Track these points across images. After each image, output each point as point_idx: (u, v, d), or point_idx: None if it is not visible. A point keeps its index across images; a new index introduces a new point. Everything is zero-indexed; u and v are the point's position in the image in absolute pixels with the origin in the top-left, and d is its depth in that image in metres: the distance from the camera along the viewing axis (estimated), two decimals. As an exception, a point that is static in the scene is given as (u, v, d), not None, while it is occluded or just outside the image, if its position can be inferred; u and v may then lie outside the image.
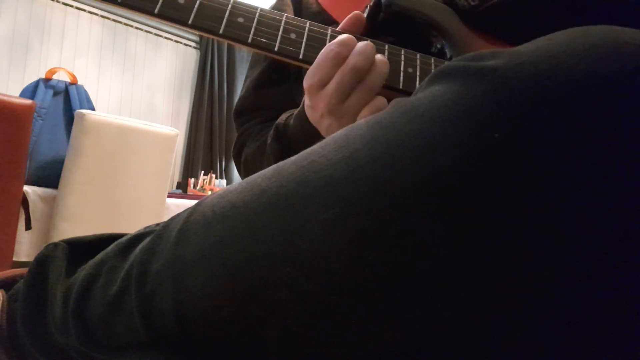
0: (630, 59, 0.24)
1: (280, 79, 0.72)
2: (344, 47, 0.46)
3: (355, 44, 0.47)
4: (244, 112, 0.75)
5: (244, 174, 0.73)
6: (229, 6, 0.48)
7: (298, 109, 0.55)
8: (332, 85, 0.46)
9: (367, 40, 0.48)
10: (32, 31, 3.07)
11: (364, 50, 0.46)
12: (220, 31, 0.47)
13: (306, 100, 0.50)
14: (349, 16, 0.51)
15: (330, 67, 0.46)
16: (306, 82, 0.48)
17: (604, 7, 0.46)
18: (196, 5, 0.46)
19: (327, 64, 0.46)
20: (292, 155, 0.60)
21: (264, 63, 0.73)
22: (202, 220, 0.31)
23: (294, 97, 0.69)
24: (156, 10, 0.45)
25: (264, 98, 0.72)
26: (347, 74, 0.46)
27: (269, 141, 0.62)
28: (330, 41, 0.49)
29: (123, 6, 0.45)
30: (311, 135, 0.52)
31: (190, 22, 0.46)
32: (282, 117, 0.60)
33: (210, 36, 0.48)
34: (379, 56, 0.48)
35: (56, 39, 3.18)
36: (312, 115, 0.51)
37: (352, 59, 0.46)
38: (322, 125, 0.50)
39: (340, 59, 0.46)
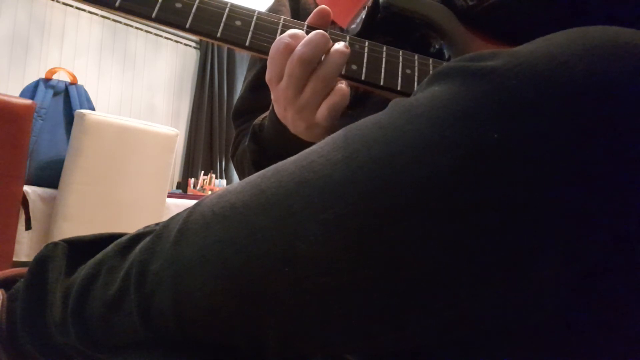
0: (629, 59, 0.24)
1: None
2: (294, 38, 0.46)
3: (303, 36, 0.46)
4: (242, 114, 0.75)
5: (239, 175, 0.73)
6: (227, 10, 0.48)
7: (270, 107, 0.55)
8: (285, 78, 0.46)
9: (320, 30, 0.47)
10: (32, 31, 3.07)
11: (312, 40, 0.45)
12: (218, 35, 0.47)
13: (272, 95, 0.50)
14: (314, 11, 0.50)
15: (283, 59, 0.46)
16: (266, 77, 0.48)
17: (603, 7, 0.46)
18: (193, 9, 0.46)
19: (278, 57, 0.46)
20: (267, 153, 0.59)
21: (260, 64, 0.73)
22: (201, 220, 0.31)
23: None
24: (154, 15, 0.46)
25: (261, 98, 0.72)
26: (295, 66, 0.45)
27: (246, 142, 0.62)
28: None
29: (120, 11, 0.45)
30: (282, 132, 0.52)
31: (187, 26, 0.46)
32: (259, 118, 0.60)
33: (208, 40, 0.48)
34: (336, 45, 0.47)
35: (56, 39, 3.18)
36: (278, 111, 0.51)
37: (298, 50, 0.45)
38: (287, 120, 0.50)
39: (290, 50, 0.46)
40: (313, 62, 0.46)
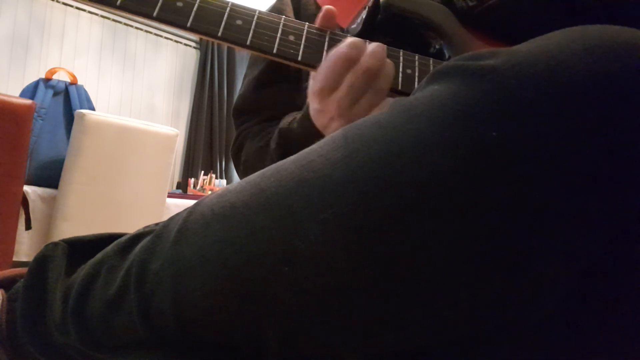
0: (629, 58, 0.24)
1: (280, 79, 0.71)
2: (356, 49, 0.46)
3: (365, 46, 0.47)
4: (244, 112, 0.74)
5: (242, 174, 0.73)
6: (228, 9, 0.48)
7: (301, 113, 0.55)
8: (344, 88, 0.46)
9: (379, 43, 0.48)
10: (32, 31, 3.07)
11: (376, 52, 0.46)
12: (219, 34, 0.47)
13: (314, 104, 0.50)
14: (321, 11, 0.51)
15: (342, 69, 0.46)
16: (316, 86, 0.48)
17: (602, 7, 0.46)
18: (194, 9, 0.46)
19: (338, 66, 0.46)
20: None
21: (264, 62, 0.73)
22: (201, 220, 0.31)
23: (294, 97, 0.69)
24: (154, 14, 0.46)
25: (264, 98, 0.72)
26: (360, 76, 0.46)
27: (272, 146, 0.61)
28: (328, 43, 0.49)
29: (122, 10, 0.45)
30: (316, 140, 0.52)
31: (188, 25, 0.46)
32: (285, 121, 0.59)
33: (209, 39, 0.48)
34: (389, 60, 0.48)
35: (56, 39, 3.18)
36: (320, 119, 0.50)
37: (365, 61, 0.46)
38: (329, 130, 0.50)
39: (351, 61, 0.46)
40: (376, 75, 0.46)
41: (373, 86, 0.47)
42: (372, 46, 0.47)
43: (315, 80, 0.48)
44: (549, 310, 0.27)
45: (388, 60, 0.47)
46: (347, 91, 0.46)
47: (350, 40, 0.47)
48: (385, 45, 0.47)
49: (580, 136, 0.23)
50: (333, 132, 0.49)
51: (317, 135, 0.52)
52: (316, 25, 0.51)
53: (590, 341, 0.28)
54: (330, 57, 0.47)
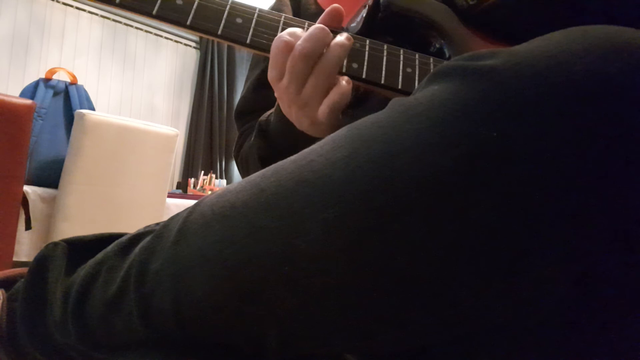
0: (629, 58, 0.24)
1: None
2: (293, 36, 0.46)
3: (303, 33, 0.46)
4: (245, 113, 0.75)
5: (240, 173, 0.73)
6: (227, 7, 0.48)
7: (275, 103, 0.55)
8: (286, 75, 0.46)
9: (319, 24, 0.47)
10: (32, 31, 3.07)
11: (312, 34, 0.45)
12: (219, 32, 0.47)
13: (275, 93, 0.50)
14: (326, 9, 0.50)
15: (283, 57, 0.46)
16: (268, 75, 0.48)
17: (603, 7, 0.46)
18: (194, 7, 0.46)
19: (279, 54, 0.46)
20: (274, 151, 0.60)
21: (264, 63, 0.73)
22: (201, 219, 0.31)
23: None
24: (154, 12, 0.46)
25: (264, 99, 0.72)
26: (297, 61, 0.45)
27: (251, 139, 0.62)
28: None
29: (121, 7, 0.45)
30: (289, 129, 0.52)
31: (188, 23, 0.46)
32: (265, 115, 0.60)
33: (209, 37, 0.48)
34: (337, 38, 0.47)
35: (56, 39, 3.18)
36: (283, 108, 0.51)
37: (299, 44, 0.45)
38: (292, 117, 0.50)
39: (290, 47, 0.46)
40: (314, 57, 0.45)
41: (316, 69, 0.46)
42: (310, 29, 0.46)
43: (268, 71, 0.48)
44: (549, 310, 0.27)
45: (337, 40, 0.46)
46: (289, 78, 0.46)
47: (289, 29, 0.47)
48: (325, 28, 0.46)
49: (580, 136, 0.23)
50: (294, 119, 0.50)
51: (289, 123, 0.52)
52: (319, 22, 0.50)
53: (590, 341, 0.28)
54: (272, 46, 0.47)
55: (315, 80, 0.46)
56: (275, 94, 0.50)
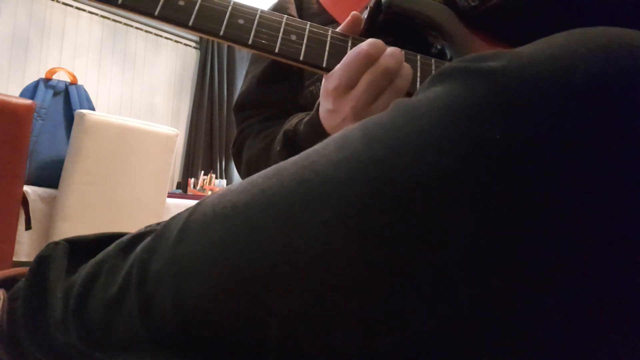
0: (630, 59, 0.24)
1: (284, 77, 0.71)
2: (375, 48, 0.46)
3: (384, 47, 0.47)
4: (246, 107, 0.74)
5: (244, 174, 0.72)
6: (229, 8, 0.48)
7: (310, 114, 0.54)
8: (361, 86, 0.46)
9: (397, 48, 0.49)
10: (32, 31, 3.07)
11: (395, 53, 0.47)
12: (221, 33, 0.47)
13: (327, 104, 0.49)
14: (349, 17, 0.51)
15: (361, 67, 0.46)
16: (332, 84, 0.47)
17: (604, 7, 0.46)
18: (196, 7, 0.46)
19: (357, 64, 0.46)
20: None
21: (270, 59, 0.72)
22: (202, 219, 0.31)
23: (297, 97, 0.69)
24: (156, 12, 0.46)
25: (267, 94, 0.72)
26: (379, 75, 0.46)
27: (277, 148, 0.60)
28: (331, 43, 0.49)
29: (123, 8, 0.45)
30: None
31: (190, 24, 0.46)
32: (291, 123, 0.59)
33: (211, 38, 0.48)
34: (405, 62, 0.48)
35: (56, 39, 3.18)
36: (332, 120, 0.50)
37: (385, 61, 0.46)
38: (338, 130, 0.49)
39: (370, 60, 0.46)
40: (395, 75, 0.47)
41: (391, 87, 0.47)
42: (391, 48, 0.47)
43: (330, 79, 0.47)
44: (549, 310, 0.27)
45: (405, 64, 0.48)
46: (365, 89, 0.46)
47: (370, 40, 0.47)
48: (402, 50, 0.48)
49: (582, 137, 0.23)
50: None
51: (324, 137, 0.51)
52: (339, 30, 0.51)
53: (591, 341, 0.28)
54: (349, 55, 0.47)
55: (389, 96, 0.47)
56: (333, 104, 0.49)
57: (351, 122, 0.47)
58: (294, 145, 0.57)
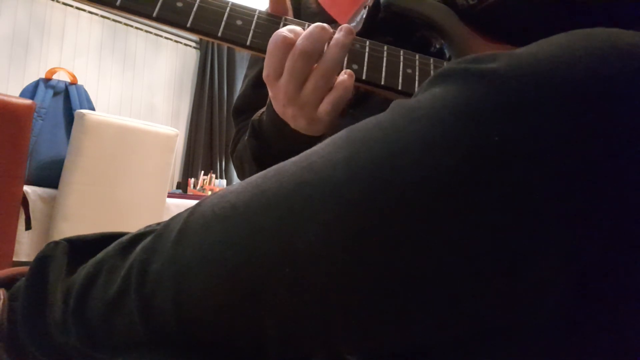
0: (630, 60, 0.24)
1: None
2: (293, 33, 0.45)
3: (302, 30, 0.46)
4: (243, 111, 0.74)
5: (236, 172, 0.73)
6: (227, 9, 0.48)
7: (267, 102, 0.54)
8: (285, 74, 0.45)
9: (319, 23, 0.46)
10: (32, 31, 3.07)
11: (312, 33, 0.45)
12: (219, 34, 0.47)
13: (269, 92, 0.49)
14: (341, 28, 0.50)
15: (281, 54, 0.45)
16: (264, 73, 0.47)
17: (603, 7, 0.46)
18: (194, 9, 0.46)
19: (277, 51, 0.45)
20: (268, 150, 0.60)
21: (263, 62, 0.73)
22: (202, 220, 0.31)
23: None
24: (154, 14, 0.46)
25: (262, 97, 0.72)
26: (297, 60, 0.44)
27: (246, 138, 0.61)
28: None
29: (121, 10, 0.45)
30: (282, 128, 0.51)
31: (188, 25, 0.46)
32: (257, 114, 0.59)
33: (209, 39, 0.48)
34: (337, 37, 0.46)
35: (56, 39, 3.18)
36: (276, 107, 0.50)
37: (299, 43, 0.44)
38: (287, 116, 0.49)
39: (289, 44, 0.45)
40: (314, 56, 0.45)
41: (316, 70, 0.45)
42: (309, 28, 0.45)
43: (264, 67, 0.47)
44: (549, 310, 0.27)
45: (334, 41, 0.46)
46: (289, 77, 0.45)
47: (288, 26, 0.46)
48: (325, 27, 0.45)
49: (581, 138, 0.23)
50: (290, 118, 0.49)
51: (281, 122, 0.51)
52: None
53: (591, 341, 0.28)
54: (270, 43, 0.46)
55: (315, 80, 0.45)
56: (270, 93, 0.49)
57: (290, 108, 0.47)
58: (259, 132, 0.58)
